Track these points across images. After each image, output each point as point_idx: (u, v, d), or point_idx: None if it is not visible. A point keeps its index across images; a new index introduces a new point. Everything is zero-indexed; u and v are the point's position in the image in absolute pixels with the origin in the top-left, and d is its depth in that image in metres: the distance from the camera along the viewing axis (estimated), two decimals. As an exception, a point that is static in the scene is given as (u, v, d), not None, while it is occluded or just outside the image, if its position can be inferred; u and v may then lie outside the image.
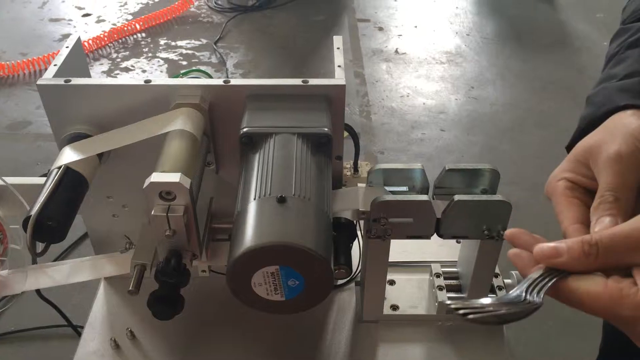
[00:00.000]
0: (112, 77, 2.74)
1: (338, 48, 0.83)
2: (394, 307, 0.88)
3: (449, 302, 0.48)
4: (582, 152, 0.58)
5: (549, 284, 0.46)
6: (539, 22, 3.31)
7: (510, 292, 0.46)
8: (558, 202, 0.56)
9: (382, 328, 0.87)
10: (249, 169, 0.67)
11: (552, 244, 0.47)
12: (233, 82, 0.75)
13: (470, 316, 0.44)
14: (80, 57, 0.86)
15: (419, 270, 0.93)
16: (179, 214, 0.64)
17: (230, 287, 0.61)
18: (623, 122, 0.57)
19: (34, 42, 3.01)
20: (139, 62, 2.85)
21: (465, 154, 2.32)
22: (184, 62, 2.85)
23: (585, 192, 0.56)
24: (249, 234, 0.58)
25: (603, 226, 0.49)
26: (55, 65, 0.78)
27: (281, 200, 0.60)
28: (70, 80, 0.74)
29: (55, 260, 1.69)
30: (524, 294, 0.46)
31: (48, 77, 0.76)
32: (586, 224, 0.52)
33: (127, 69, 2.80)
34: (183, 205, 0.64)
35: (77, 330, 1.22)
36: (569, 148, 0.62)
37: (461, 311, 0.44)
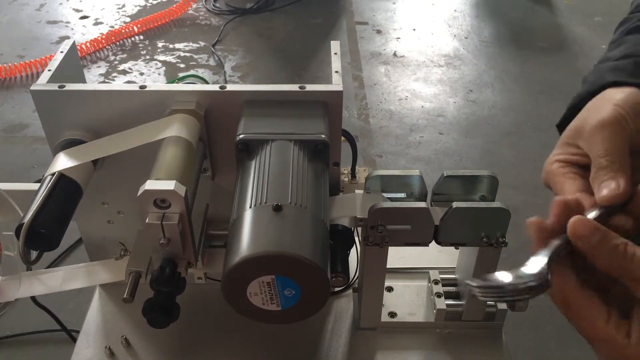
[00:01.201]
0: (110, 79, 2.73)
1: (335, 53, 0.82)
2: (392, 314, 0.87)
3: (468, 280, 0.48)
4: (570, 133, 0.59)
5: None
6: (537, 25, 3.31)
7: (531, 262, 0.47)
8: (556, 182, 0.56)
9: (380, 335, 0.86)
10: (245, 176, 0.67)
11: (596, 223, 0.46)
12: (229, 87, 0.74)
13: (489, 299, 0.44)
14: (75, 62, 0.85)
15: (417, 276, 0.92)
16: (174, 222, 0.63)
17: (226, 297, 0.61)
18: (607, 97, 0.57)
19: (31, 45, 3.00)
20: (136, 64, 2.84)
21: (464, 158, 2.31)
22: (182, 65, 2.84)
23: (580, 167, 0.56)
24: (245, 243, 0.57)
25: (610, 189, 0.49)
26: (49, 70, 0.77)
27: (277, 208, 0.59)
28: (64, 86, 0.74)
29: (50, 265, 1.69)
30: (545, 267, 0.45)
31: (42, 82, 0.75)
32: (589, 192, 0.52)
33: (124, 72, 2.79)
34: (178, 213, 0.63)
35: (72, 335, 1.21)
36: (560, 127, 0.64)
37: (478, 291, 0.44)
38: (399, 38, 3.14)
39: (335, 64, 0.80)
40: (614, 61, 0.65)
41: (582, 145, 0.56)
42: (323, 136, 0.69)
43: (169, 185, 0.62)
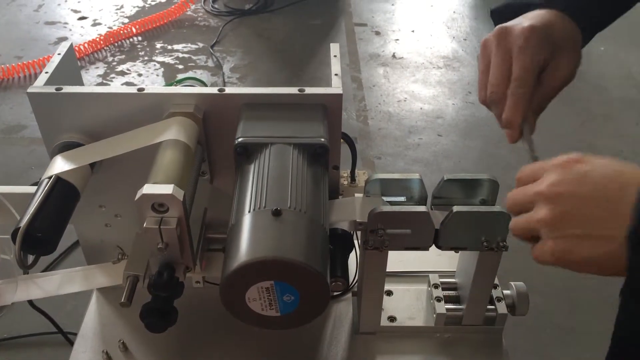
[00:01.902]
0: (108, 80, 2.72)
1: (335, 56, 0.82)
2: (392, 319, 0.87)
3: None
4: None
5: None
6: (536, 26, 3.30)
7: None
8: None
9: (380, 340, 0.85)
10: (243, 180, 0.66)
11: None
12: (228, 90, 0.74)
13: None
14: (73, 64, 0.85)
15: (417, 280, 0.92)
16: (172, 226, 0.62)
17: (224, 302, 0.60)
18: (530, 15, 0.66)
19: (30, 45, 2.99)
20: (135, 65, 2.84)
21: (463, 159, 2.31)
22: (180, 66, 2.83)
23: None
24: (244, 248, 0.57)
25: (507, 135, 0.68)
26: (46, 72, 0.76)
27: (276, 213, 0.59)
28: (61, 88, 0.73)
29: (47, 267, 1.68)
30: None
31: (39, 84, 0.74)
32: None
33: (123, 73, 2.78)
34: (176, 217, 0.63)
35: (69, 338, 1.21)
36: (492, 13, 0.72)
37: None
38: (397, 39, 3.14)
39: (335, 66, 0.79)
40: None
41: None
42: (322, 140, 0.68)
43: (167, 189, 0.61)
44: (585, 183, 0.48)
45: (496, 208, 0.73)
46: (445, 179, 0.78)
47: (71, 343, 0.86)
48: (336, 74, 0.77)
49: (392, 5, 3.50)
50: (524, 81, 0.63)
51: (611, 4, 0.71)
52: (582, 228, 0.48)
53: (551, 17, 0.66)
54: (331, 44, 0.84)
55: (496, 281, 0.87)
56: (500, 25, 0.66)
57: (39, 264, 0.70)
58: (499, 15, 0.70)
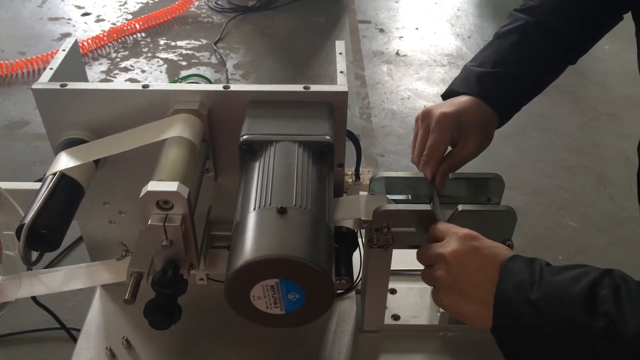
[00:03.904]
0: (111, 76, 2.72)
1: (340, 53, 0.81)
2: (396, 317, 0.86)
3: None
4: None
5: None
6: (540, 25, 3.29)
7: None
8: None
9: (383, 338, 0.85)
10: (248, 178, 0.66)
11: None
12: (233, 87, 0.73)
13: None
14: (77, 61, 0.84)
15: (421, 278, 0.91)
16: (177, 223, 0.62)
17: (229, 300, 0.60)
18: (454, 101, 0.83)
19: (33, 41, 2.99)
20: (138, 62, 2.84)
21: (466, 158, 2.30)
22: (184, 63, 2.83)
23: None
24: (249, 246, 0.57)
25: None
26: (51, 68, 0.76)
27: (281, 211, 0.58)
28: (66, 85, 0.73)
29: (50, 263, 1.68)
30: None
31: (44, 81, 0.74)
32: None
33: (126, 69, 2.78)
34: (181, 214, 0.63)
35: (72, 334, 1.21)
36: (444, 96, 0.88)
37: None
38: (401, 37, 3.13)
39: (340, 64, 0.79)
40: (474, 66, 0.86)
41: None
42: (328, 137, 0.68)
43: (171, 186, 0.61)
44: (475, 257, 0.62)
45: (502, 207, 0.73)
46: (450, 177, 0.78)
47: (74, 339, 0.86)
48: (342, 72, 0.77)
49: (396, 2, 3.49)
50: (432, 154, 0.80)
51: (518, 92, 0.87)
52: (464, 291, 0.62)
53: (468, 103, 0.83)
54: (336, 42, 0.84)
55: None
56: (426, 107, 0.85)
57: (42, 259, 0.70)
58: (443, 97, 0.88)
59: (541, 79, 0.89)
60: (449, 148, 0.82)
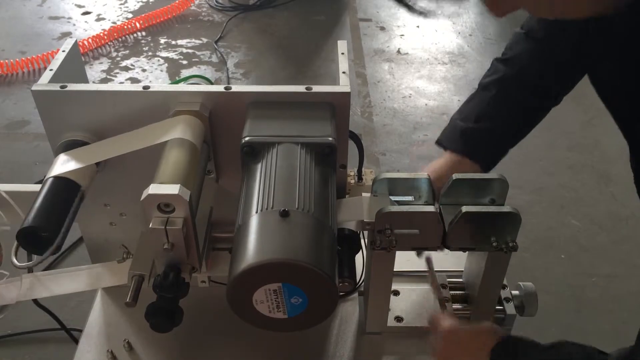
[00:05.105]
0: (112, 76, 2.71)
1: (342, 53, 0.81)
2: (399, 319, 0.86)
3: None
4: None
5: None
6: (542, 22, 3.28)
7: None
8: None
9: (386, 340, 0.85)
10: (250, 180, 0.65)
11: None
12: (234, 88, 0.73)
13: None
14: (77, 61, 0.84)
15: (424, 280, 0.91)
16: (178, 226, 0.62)
17: (231, 305, 0.59)
18: (441, 161, 0.93)
19: (33, 41, 2.98)
20: (138, 61, 2.83)
21: (468, 156, 2.29)
22: (184, 61, 2.82)
23: None
24: (251, 250, 0.56)
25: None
26: (51, 70, 0.76)
27: (284, 214, 0.58)
28: (66, 86, 0.72)
29: (50, 263, 1.67)
30: None
31: (43, 82, 0.74)
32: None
33: (126, 68, 2.77)
34: (182, 217, 0.62)
35: (72, 335, 1.20)
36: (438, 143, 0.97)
37: None
38: (402, 35, 3.12)
39: (343, 64, 0.78)
40: (459, 119, 0.94)
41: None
42: (330, 139, 0.67)
43: (173, 189, 0.61)
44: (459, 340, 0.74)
45: (506, 208, 0.72)
46: (453, 178, 0.77)
47: (75, 340, 0.86)
48: (344, 72, 0.76)
49: (397, 0, 3.48)
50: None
51: (499, 146, 0.94)
52: None
53: (451, 158, 0.91)
54: (338, 41, 0.83)
55: (504, 281, 0.86)
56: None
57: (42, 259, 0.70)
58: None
59: (520, 131, 0.96)
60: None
